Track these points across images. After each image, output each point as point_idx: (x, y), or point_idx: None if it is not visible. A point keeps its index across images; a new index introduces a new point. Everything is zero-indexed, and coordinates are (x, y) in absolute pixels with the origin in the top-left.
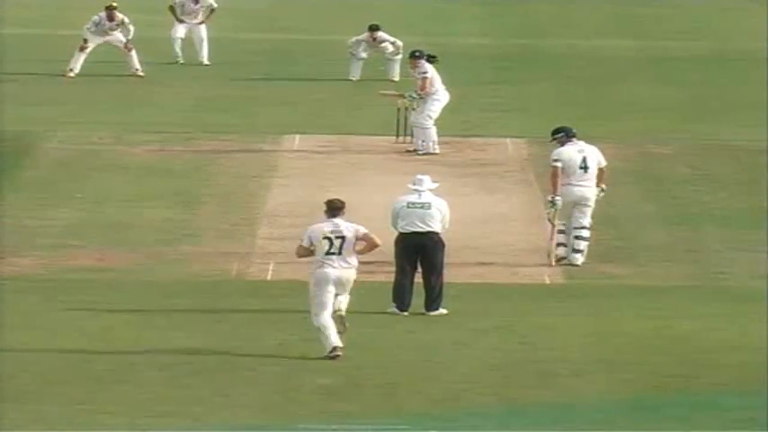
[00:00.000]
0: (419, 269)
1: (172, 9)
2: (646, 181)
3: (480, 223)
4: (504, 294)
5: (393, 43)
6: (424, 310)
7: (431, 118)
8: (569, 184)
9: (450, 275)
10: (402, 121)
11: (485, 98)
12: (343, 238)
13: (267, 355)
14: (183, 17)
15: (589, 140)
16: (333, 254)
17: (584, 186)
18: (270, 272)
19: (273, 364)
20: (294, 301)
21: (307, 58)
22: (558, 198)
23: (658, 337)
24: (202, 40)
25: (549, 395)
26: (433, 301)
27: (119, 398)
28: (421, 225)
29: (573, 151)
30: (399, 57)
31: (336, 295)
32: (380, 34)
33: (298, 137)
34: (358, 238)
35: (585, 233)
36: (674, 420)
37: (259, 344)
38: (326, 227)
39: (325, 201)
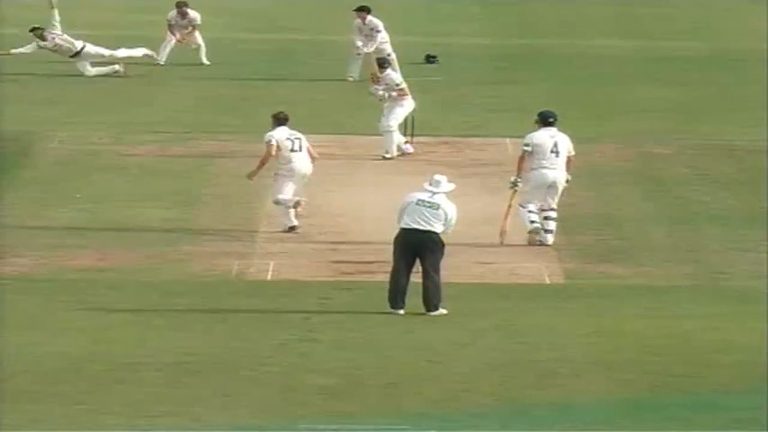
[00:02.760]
0: (416, 269)
1: (169, 25)
2: (646, 181)
3: (480, 223)
4: (504, 294)
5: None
6: (423, 310)
7: (396, 121)
8: (541, 168)
9: (450, 275)
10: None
11: (485, 98)
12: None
13: (267, 355)
14: (175, 31)
15: (589, 140)
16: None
17: (556, 170)
18: (270, 272)
19: (273, 364)
20: (294, 301)
21: (307, 58)
22: (519, 180)
23: (658, 337)
24: (199, 45)
25: (549, 395)
26: (432, 301)
27: (119, 398)
28: (423, 224)
29: (545, 136)
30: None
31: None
32: (370, 18)
33: None
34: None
35: (554, 214)
36: (675, 420)
37: (259, 344)
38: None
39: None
